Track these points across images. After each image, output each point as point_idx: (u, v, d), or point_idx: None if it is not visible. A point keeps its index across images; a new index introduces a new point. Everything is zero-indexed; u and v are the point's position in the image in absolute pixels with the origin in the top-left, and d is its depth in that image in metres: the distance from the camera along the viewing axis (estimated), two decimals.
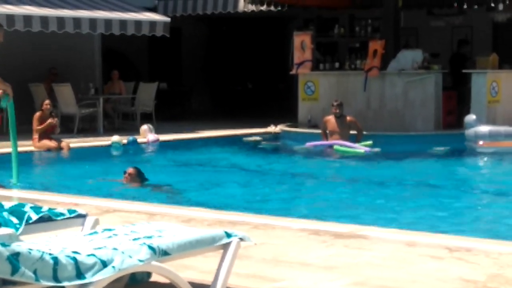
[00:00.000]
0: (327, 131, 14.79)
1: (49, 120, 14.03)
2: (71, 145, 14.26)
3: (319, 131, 15.51)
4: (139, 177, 10.64)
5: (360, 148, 14.21)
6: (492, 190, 11.11)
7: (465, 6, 18.45)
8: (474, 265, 5.57)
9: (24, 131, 14.22)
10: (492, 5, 18.00)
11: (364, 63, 16.49)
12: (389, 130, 15.71)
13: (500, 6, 18.00)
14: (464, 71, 16.23)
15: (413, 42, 19.13)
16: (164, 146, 15.38)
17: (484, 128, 14.74)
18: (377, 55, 16.17)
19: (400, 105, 16.09)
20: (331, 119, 14.74)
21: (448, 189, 11.09)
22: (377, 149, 14.21)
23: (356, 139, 14.55)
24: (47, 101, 14.55)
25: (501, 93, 16.17)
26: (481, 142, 14.55)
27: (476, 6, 18.38)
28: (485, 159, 14.38)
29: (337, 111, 14.58)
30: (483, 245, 6.20)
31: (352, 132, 14.72)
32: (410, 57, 16.23)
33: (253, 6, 18.49)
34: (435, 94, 15.96)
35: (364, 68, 16.38)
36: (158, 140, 15.43)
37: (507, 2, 17.38)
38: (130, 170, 10.64)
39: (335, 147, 14.52)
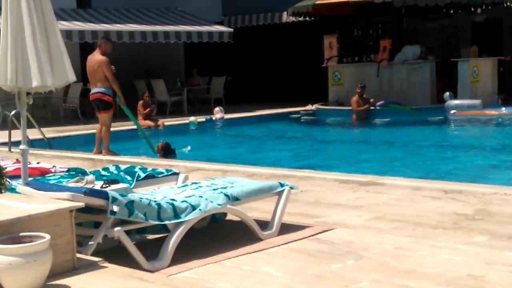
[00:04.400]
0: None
1: (150, 108, 14.26)
2: (165, 123, 14.39)
3: (345, 108, 15.41)
4: (164, 152, 9.72)
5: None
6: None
7: (451, 11, 18.09)
8: (464, 203, 5.49)
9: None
10: (472, 9, 17.63)
11: (376, 56, 16.27)
12: None
13: (479, 10, 17.63)
14: (452, 59, 15.93)
15: (413, 40, 18.72)
16: (230, 122, 15.34)
17: (453, 102, 14.63)
18: (386, 50, 15.95)
19: (404, 87, 15.84)
20: (357, 97, 14.72)
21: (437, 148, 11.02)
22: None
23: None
24: (146, 93, 14.74)
25: (480, 75, 15.83)
26: (452, 112, 14.46)
27: (460, 11, 18.01)
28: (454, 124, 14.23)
29: (360, 91, 14.65)
30: (470, 188, 6.11)
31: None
32: (411, 51, 15.97)
33: (293, 18, 18.35)
34: (430, 78, 15.68)
35: (377, 60, 16.17)
36: (223, 117, 15.46)
37: (484, 7, 17.00)
38: (159, 144, 9.84)
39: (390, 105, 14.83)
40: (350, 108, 14.86)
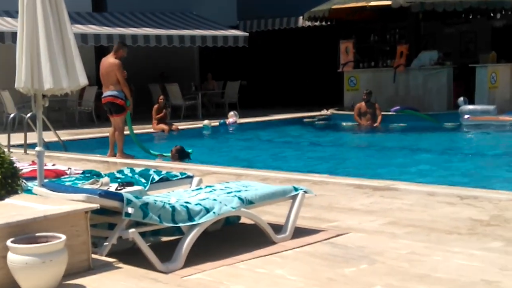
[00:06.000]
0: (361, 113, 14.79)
1: (164, 111, 14.35)
2: (179, 127, 14.48)
3: None
4: (179, 155, 9.67)
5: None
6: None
7: (470, 16, 18.03)
8: (480, 208, 5.50)
9: (145, 118, 14.55)
10: (492, 14, 17.57)
11: (393, 62, 16.25)
12: None
13: (498, 15, 17.57)
14: (470, 65, 15.89)
15: (431, 45, 18.70)
16: (244, 126, 15.36)
17: (467, 107, 14.57)
18: (403, 55, 15.94)
19: (421, 93, 15.83)
20: (362, 104, 14.72)
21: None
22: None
23: (377, 120, 14.50)
24: (161, 96, 14.84)
25: (499, 81, 15.78)
26: (466, 117, 14.42)
27: (478, 16, 17.94)
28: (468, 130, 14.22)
29: (366, 97, 14.59)
30: (486, 194, 6.11)
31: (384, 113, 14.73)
32: (428, 56, 15.94)
33: (309, 22, 18.40)
34: (447, 84, 15.66)
35: (393, 66, 16.16)
36: (236, 122, 15.53)
37: (503, 12, 16.94)
38: (173, 149, 9.75)
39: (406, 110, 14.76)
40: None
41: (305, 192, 4.91)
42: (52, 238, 3.51)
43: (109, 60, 9.60)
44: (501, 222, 5.03)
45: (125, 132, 9.93)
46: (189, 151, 10.04)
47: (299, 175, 7.56)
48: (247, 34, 18.10)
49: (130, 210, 3.92)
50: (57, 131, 11.39)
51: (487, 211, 5.37)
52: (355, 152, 12.02)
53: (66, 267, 3.50)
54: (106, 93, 9.64)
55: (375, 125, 14.44)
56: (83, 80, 4.83)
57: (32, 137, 8.89)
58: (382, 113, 14.66)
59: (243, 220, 4.97)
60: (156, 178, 5.11)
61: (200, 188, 4.89)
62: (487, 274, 3.81)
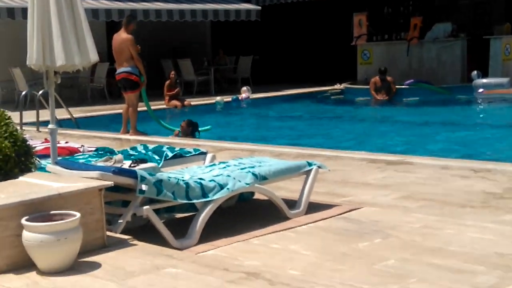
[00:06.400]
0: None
1: (177, 89, 14.35)
2: (192, 103, 14.49)
3: None
4: (192, 129, 9.52)
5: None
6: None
7: None
8: (493, 181, 5.49)
9: (157, 94, 14.55)
10: None
11: (407, 35, 16.15)
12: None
13: None
14: (484, 37, 15.72)
15: (445, 17, 18.49)
16: (257, 102, 15.33)
17: (480, 80, 14.44)
18: (417, 28, 15.84)
19: (434, 65, 15.72)
20: (376, 78, 14.67)
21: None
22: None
23: (391, 94, 14.43)
24: (173, 72, 14.85)
25: None
26: (480, 90, 14.30)
27: None
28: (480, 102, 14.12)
29: (381, 75, 14.57)
30: (500, 166, 6.09)
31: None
32: (442, 28, 15.82)
33: None
34: (461, 56, 15.53)
35: (407, 38, 16.03)
36: (248, 97, 15.50)
37: None
38: (183, 123, 9.60)
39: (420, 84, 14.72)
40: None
41: (319, 167, 4.91)
42: (66, 216, 3.55)
43: (122, 35, 9.55)
44: None
45: (139, 109, 9.95)
46: (207, 128, 10.05)
47: (313, 150, 7.55)
48: (259, 7, 17.96)
49: (144, 187, 3.94)
50: (69, 108, 11.44)
51: (501, 184, 5.36)
52: (368, 126, 11.98)
53: (81, 245, 3.54)
54: (120, 69, 9.61)
55: (386, 98, 14.41)
56: (93, 57, 4.84)
57: (44, 115, 8.96)
58: (396, 86, 14.60)
59: (257, 196, 4.99)
60: (170, 154, 5.12)
61: (214, 165, 4.90)
62: (500, 247, 3.81)
